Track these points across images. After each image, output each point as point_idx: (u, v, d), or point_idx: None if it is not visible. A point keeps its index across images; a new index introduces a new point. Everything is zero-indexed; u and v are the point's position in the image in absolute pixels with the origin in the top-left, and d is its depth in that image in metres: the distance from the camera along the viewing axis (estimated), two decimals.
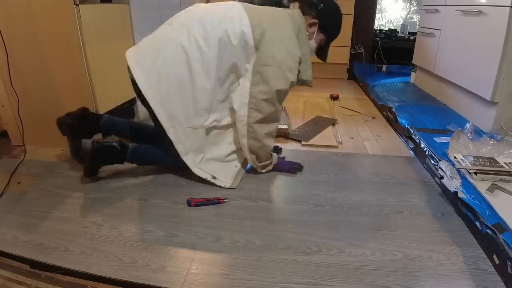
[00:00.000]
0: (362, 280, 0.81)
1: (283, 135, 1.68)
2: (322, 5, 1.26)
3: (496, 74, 1.43)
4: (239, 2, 1.23)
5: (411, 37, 3.03)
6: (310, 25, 1.27)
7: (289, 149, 1.56)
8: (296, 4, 1.33)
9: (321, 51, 1.34)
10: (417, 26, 2.51)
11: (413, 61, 2.50)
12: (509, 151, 1.28)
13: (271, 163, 1.30)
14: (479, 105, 1.60)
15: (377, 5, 3.17)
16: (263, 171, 1.30)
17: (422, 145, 1.42)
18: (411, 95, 2.21)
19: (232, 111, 1.22)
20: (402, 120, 1.71)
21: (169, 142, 1.15)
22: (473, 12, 1.63)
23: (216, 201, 1.11)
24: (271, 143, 1.25)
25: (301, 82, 1.27)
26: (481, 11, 1.56)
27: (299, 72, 1.23)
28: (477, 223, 0.94)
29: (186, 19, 1.17)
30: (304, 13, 1.26)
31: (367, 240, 0.94)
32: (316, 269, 0.84)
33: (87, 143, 1.14)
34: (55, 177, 1.28)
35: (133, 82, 1.14)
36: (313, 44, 1.30)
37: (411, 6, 4.07)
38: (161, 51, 1.12)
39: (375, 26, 3.17)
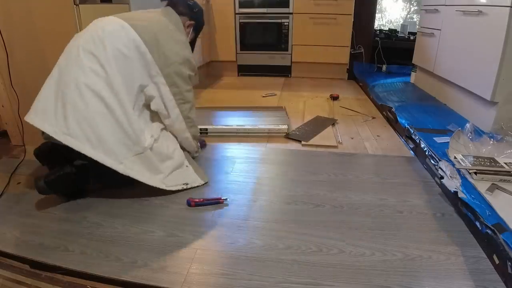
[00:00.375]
0: (362, 280, 0.81)
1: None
2: (197, 8, 1.37)
3: (496, 74, 1.43)
4: (113, 15, 1.18)
5: (411, 37, 3.03)
6: (188, 26, 1.35)
7: (289, 149, 1.56)
8: (164, 2, 1.35)
9: (191, 47, 1.39)
10: (417, 26, 2.51)
11: (413, 61, 2.50)
12: (509, 151, 1.28)
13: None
14: (479, 105, 1.60)
15: (377, 5, 3.17)
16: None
17: (422, 145, 1.42)
18: (411, 95, 2.21)
19: (155, 115, 1.21)
20: (402, 120, 1.71)
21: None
22: (473, 12, 1.63)
23: (216, 201, 1.11)
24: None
25: None
26: (481, 11, 1.56)
27: None
28: (477, 223, 0.94)
29: (71, 54, 1.08)
30: (179, 13, 1.30)
31: (367, 240, 0.94)
32: (316, 269, 0.84)
33: (39, 181, 1.03)
34: None
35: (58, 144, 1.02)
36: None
37: (411, 6, 4.08)
38: (66, 98, 1.02)
39: (375, 26, 3.17)
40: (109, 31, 1.09)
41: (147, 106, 1.19)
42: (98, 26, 1.11)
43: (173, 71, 1.18)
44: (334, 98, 2.41)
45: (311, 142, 1.63)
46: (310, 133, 1.72)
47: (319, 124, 1.86)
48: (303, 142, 1.62)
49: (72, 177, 1.07)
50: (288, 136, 1.69)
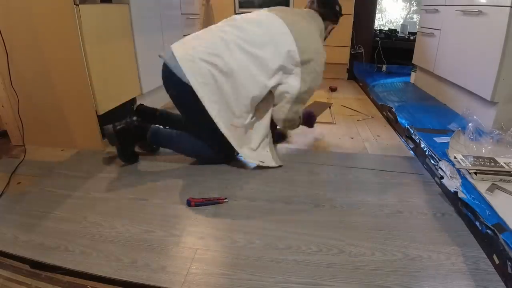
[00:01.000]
0: (362, 280, 0.81)
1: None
2: (341, 13, 1.48)
3: (496, 74, 1.43)
4: (274, 14, 1.32)
5: (411, 37, 3.03)
6: (329, 31, 1.48)
7: (290, 147, 1.56)
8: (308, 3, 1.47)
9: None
10: (417, 26, 2.51)
11: (413, 61, 2.50)
12: (509, 151, 1.28)
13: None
14: (479, 105, 1.60)
15: (377, 5, 3.17)
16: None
17: (422, 145, 1.42)
18: (411, 95, 2.21)
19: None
20: (402, 120, 1.71)
21: (212, 136, 1.30)
22: (473, 12, 1.63)
23: (216, 201, 1.11)
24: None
25: None
26: (481, 11, 1.57)
27: None
28: (477, 223, 0.94)
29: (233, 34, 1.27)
30: (324, 19, 1.43)
31: (367, 240, 0.94)
32: (316, 269, 0.84)
33: (108, 128, 1.30)
34: (55, 177, 1.28)
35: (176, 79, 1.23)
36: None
37: (411, 6, 4.08)
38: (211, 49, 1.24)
39: (375, 26, 3.17)
40: (274, 37, 1.29)
41: None
42: (267, 28, 1.31)
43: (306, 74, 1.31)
44: (333, 89, 2.51)
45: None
46: None
47: (317, 107, 1.94)
48: None
49: (136, 130, 1.34)
50: None
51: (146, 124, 1.36)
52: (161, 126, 1.42)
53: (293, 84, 1.29)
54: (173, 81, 1.23)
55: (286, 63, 1.27)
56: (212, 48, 1.23)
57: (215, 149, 1.34)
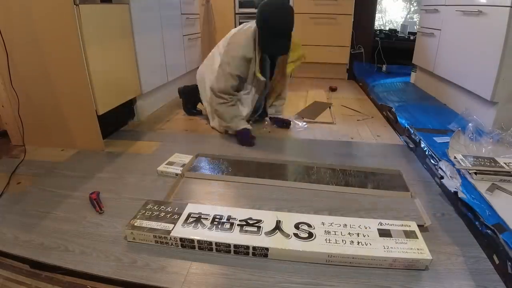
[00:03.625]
0: (362, 280, 0.81)
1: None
2: (260, 15, 1.53)
3: (496, 74, 1.43)
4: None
5: (411, 37, 3.03)
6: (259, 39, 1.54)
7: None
8: None
9: (263, 47, 1.54)
10: (417, 26, 2.51)
11: (413, 61, 2.50)
12: (509, 151, 1.28)
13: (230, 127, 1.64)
14: (479, 105, 1.60)
15: (377, 5, 3.17)
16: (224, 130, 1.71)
17: (422, 145, 1.42)
18: (411, 95, 2.21)
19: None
20: (402, 120, 1.71)
21: None
22: (473, 12, 1.63)
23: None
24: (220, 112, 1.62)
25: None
26: (481, 11, 1.57)
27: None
28: (477, 223, 0.94)
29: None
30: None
31: None
32: (316, 269, 0.84)
33: (179, 87, 2.01)
34: (55, 177, 1.28)
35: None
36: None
37: (411, 6, 4.08)
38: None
39: (375, 26, 3.18)
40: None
41: None
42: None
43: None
44: (333, 89, 2.54)
45: (313, 119, 1.90)
46: (312, 113, 1.98)
47: (317, 107, 2.05)
48: (305, 119, 1.90)
49: (193, 92, 1.92)
50: (297, 115, 1.96)
51: None
52: None
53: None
54: None
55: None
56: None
57: None
